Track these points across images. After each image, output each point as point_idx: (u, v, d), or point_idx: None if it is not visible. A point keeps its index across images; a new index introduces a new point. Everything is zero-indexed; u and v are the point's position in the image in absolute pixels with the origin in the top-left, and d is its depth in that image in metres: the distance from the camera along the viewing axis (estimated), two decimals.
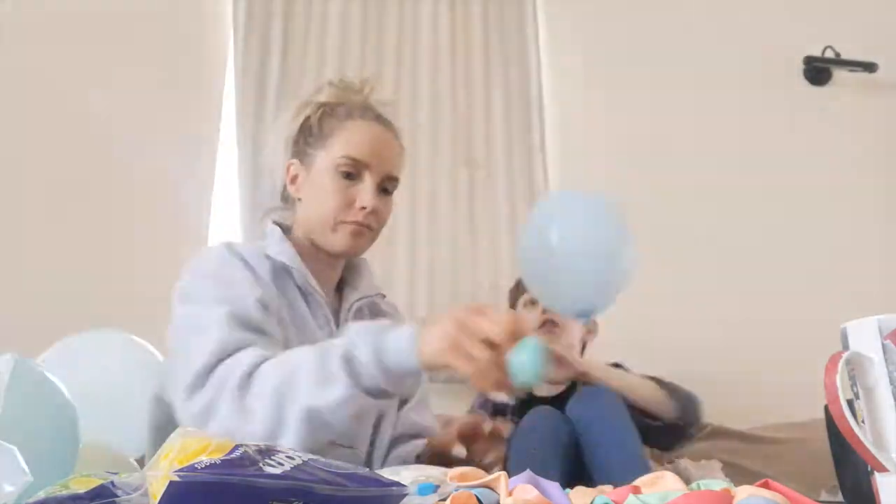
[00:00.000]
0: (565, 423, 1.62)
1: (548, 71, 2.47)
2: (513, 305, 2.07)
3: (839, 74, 2.66)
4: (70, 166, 2.10)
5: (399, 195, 2.21)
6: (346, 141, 1.23)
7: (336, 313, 1.26)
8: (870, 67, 2.62)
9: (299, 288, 1.22)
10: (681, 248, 2.34)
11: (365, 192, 1.21)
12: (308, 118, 1.27)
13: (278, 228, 1.27)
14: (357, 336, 1.00)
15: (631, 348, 2.04)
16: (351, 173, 1.22)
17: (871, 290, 2.37)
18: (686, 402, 1.80)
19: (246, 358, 1.02)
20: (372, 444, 1.26)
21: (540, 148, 2.38)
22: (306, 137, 1.27)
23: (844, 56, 2.63)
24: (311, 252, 1.24)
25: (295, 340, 1.14)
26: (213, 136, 2.24)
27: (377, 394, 0.99)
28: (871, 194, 2.55)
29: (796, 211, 2.48)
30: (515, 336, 0.92)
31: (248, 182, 2.17)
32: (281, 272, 1.21)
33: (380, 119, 1.28)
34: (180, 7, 2.29)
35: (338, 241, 1.22)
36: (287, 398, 0.97)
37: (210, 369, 1.02)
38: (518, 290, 2.06)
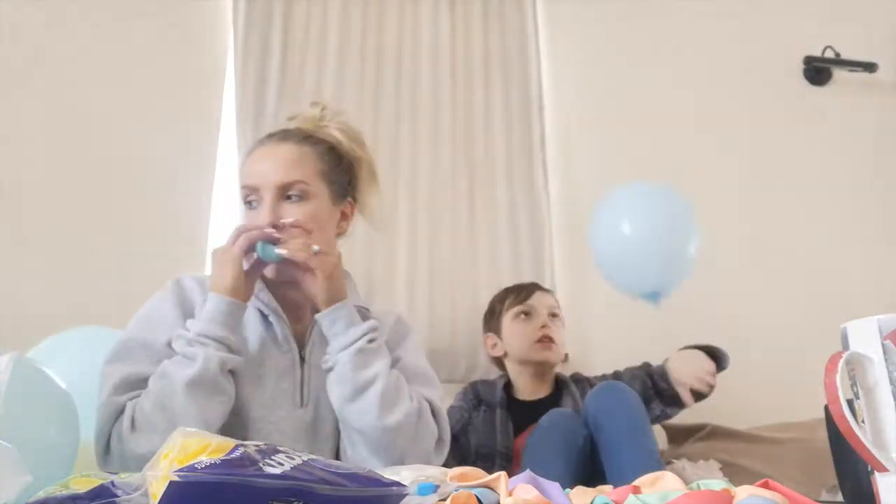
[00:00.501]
0: (582, 426, 1.62)
1: (548, 71, 2.47)
2: (497, 314, 2.06)
3: (839, 74, 2.65)
4: (69, 166, 2.10)
5: (399, 195, 2.25)
6: (241, 174, 1.33)
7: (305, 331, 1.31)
8: (870, 67, 2.62)
9: (260, 311, 1.29)
10: None
11: (262, 211, 1.25)
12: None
13: None
14: (181, 329, 1.19)
15: (630, 348, 2.04)
16: (252, 201, 1.28)
17: (870, 289, 2.37)
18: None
19: (128, 411, 1.14)
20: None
21: (540, 148, 2.38)
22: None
23: (844, 56, 2.63)
24: None
25: (245, 363, 1.22)
26: (212, 136, 2.24)
27: (227, 342, 1.17)
28: (870, 194, 2.55)
29: (796, 210, 2.48)
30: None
31: None
32: None
33: (271, 137, 1.33)
34: (180, 7, 2.29)
35: (268, 269, 1.27)
36: (167, 398, 1.12)
37: (107, 438, 1.15)
38: (504, 301, 2.05)
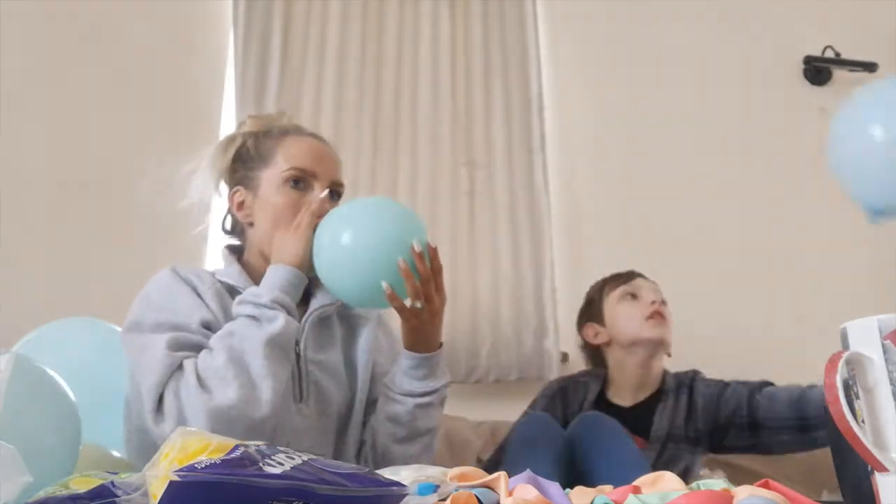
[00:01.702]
0: (560, 431, 1.54)
1: (548, 71, 2.47)
2: (597, 301, 1.89)
3: (839, 74, 2.65)
4: (69, 165, 2.10)
5: (399, 195, 2.25)
6: (289, 154, 1.29)
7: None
8: (870, 67, 2.61)
9: None
10: (680, 248, 2.34)
11: (318, 197, 1.26)
12: (241, 146, 1.34)
13: (227, 251, 1.34)
14: (248, 295, 1.18)
15: None
16: (300, 182, 1.27)
17: (870, 290, 2.37)
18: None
19: (188, 367, 1.12)
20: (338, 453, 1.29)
21: (540, 148, 2.38)
22: (245, 163, 1.33)
23: (844, 56, 2.63)
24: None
25: None
26: (212, 136, 2.24)
27: (294, 313, 1.19)
28: None
29: (796, 210, 2.48)
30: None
31: None
32: (229, 292, 1.26)
33: (313, 134, 1.36)
34: (180, 7, 2.29)
35: None
36: (242, 355, 1.11)
37: (160, 393, 1.11)
38: (602, 289, 1.89)
